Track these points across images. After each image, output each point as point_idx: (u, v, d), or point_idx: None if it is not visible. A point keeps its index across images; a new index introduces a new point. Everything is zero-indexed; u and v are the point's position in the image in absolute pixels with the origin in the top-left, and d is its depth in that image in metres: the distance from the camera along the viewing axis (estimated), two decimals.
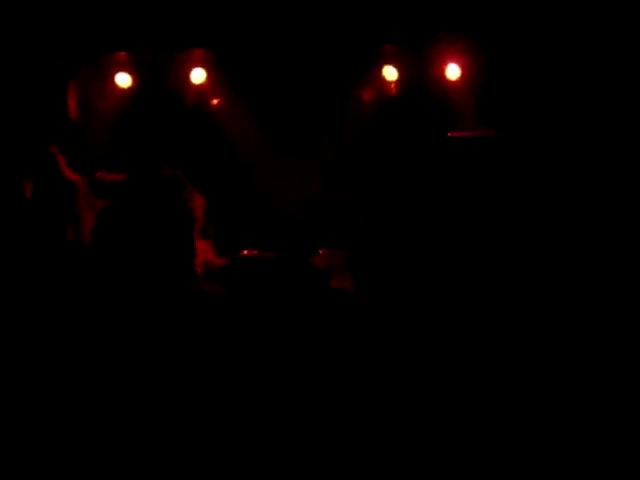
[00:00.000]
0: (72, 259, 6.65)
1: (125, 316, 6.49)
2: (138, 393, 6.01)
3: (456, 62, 8.67)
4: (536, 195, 7.84)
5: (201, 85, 9.06)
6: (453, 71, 8.71)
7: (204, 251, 7.86)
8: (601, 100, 7.96)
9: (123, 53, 8.88)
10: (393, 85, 8.99)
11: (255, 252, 7.88)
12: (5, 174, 7.04)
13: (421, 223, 7.96)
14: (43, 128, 8.40)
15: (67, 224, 6.77)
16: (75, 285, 6.56)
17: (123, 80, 9.05)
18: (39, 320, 6.24)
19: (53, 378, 6.00)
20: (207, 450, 5.71)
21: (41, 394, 5.89)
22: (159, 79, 9.05)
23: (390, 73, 8.89)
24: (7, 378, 5.94)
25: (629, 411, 5.72)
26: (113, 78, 9.06)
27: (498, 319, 6.54)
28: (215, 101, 9.29)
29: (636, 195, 7.50)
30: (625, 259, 7.14)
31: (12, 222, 6.76)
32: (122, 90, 9.11)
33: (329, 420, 5.87)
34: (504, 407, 5.92)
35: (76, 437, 5.69)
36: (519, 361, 6.24)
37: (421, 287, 7.05)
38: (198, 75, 8.99)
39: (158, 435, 5.75)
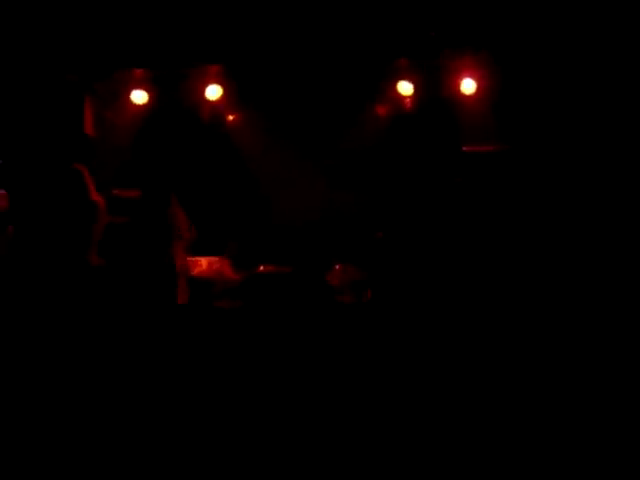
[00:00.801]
0: (87, 278, 6.70)
1: (136, 331, 6.52)
2: (154, 404, 6.04)
3: (471, 77, 8.66)
4: (552, 208, 7.84)
5: (217, 101, 9.06)
6: (468, 86, 8.70)
7: (221, 267, 7.90)
8: (615, 115, 7.95)
9: (139, 70, 8.89)
10: (408, 99, 8.98)
11: (271, 268, 7.90)
12: (23, 188, 7.09)
13: (437, 237, 7.96)
14: (59, 143, 8.45)
15: (86, 243, 6.83)
16: (91, 302, 6.61)
17: (139, 97, 9.07)
18: (51, 336, 6.29)
19: (66, 391, 6.04)
20: (226, 456, 5.73)
21: (47, 404, 5.93)
22: (175, 95, 9.06)
23: (405, 88, 8.89)
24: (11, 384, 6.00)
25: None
26: (129, 95, 9.08)
27: (516, 332, 6.53)
28: (231, 117, 9.31)
29: None
30: (634, 270, 7.15)
31: (31, 236, 6.81)
32: (138, 106, 9.13)
33: (343, 429, 5.88)
34: (515, 414, 5.93)
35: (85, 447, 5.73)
36: (532, 370, 6.25)
37: (438, 300, 7.05)
38: (213, 91, 8.99)
39: (173, 443, 5.77)
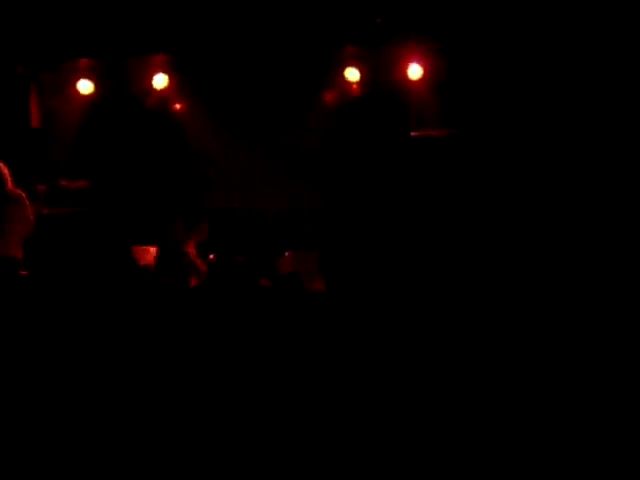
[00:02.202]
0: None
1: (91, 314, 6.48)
2: (109, 385, 6.01)
3: (418, 62, 8.71)
4: (499, 193, 7.92)
5: (163, 90, 9.03)
6: (415, 71, 8.75)
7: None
8: (562, 97, 8.04)
9: (85, 60, 8.84)
10: (355, 86, 9.02)
11: (222, 255, 7.89)
12: None
13: (387, 222, 8.02)
14: (5, 136, 8.38)
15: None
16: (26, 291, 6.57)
17: (85, 87, 9.02)
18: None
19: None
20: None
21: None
22: (121, 85, 9.02)
23: (352, 74, 8.92)
24: None
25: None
26: (75, 85, 9.02)
27: (467, 315, 6.59)
28: (178, 105, 9.29)
29: (595, 193, 7.62)
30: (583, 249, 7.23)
31: None
32: (84, 96, 9.08)
33: (299, 416, 5.89)
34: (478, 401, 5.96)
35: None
36: (490, 355, 6.29)
37: (391, 285, 7.09)
38: (160, 80, 8.97)
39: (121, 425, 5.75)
